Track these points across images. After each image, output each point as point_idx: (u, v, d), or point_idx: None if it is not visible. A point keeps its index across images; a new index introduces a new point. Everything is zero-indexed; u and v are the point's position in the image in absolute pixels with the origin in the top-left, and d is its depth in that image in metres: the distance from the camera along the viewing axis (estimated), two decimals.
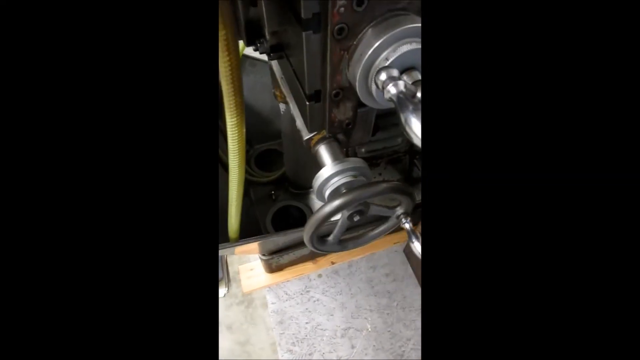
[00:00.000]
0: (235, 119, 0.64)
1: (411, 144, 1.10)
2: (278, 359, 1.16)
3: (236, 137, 0.68)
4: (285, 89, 0.71)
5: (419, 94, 0.36)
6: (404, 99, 0.33)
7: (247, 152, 1.38)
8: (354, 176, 0.61)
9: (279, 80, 0.72)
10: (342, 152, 0.66)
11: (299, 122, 0.68)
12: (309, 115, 0.52)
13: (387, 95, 0.35)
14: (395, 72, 0.35)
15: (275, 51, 0.55)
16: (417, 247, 0.54)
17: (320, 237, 0.62)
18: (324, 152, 0.65)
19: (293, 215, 1.25)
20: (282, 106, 0.92)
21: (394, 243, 1.34)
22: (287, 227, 1.18)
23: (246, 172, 1.30)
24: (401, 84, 0.34)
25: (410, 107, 0.32)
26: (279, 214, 1.23)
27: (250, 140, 1.39)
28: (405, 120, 0.32)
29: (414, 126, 0.31)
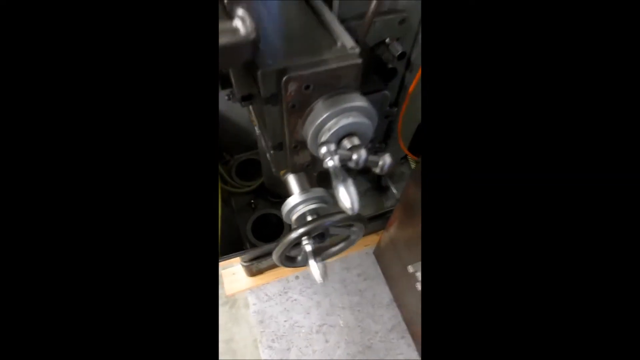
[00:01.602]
0: None
1: None
2: (259, 354, 1.26)
3: None
4: (256, 121, 0.79)
5: (354, 157, 0.46)
6: (337, 171, 0.42)
7: (228, 162, 1.46)
8: (317, 204, 0.71)
9: (252, 112, 0.81)
10: (309, 180, 0.75)
11: (269, 156, 0.77)
12: (274, 160, 0.61)
13: (324, 166, 0.44)
14: (332, 147, 0.44)
15: (245, 100, 0.63)
16: (313, 268, 0.57)
17: (287, 256, 0.72)
18: (292, 180, 0.74)
19: (272, 222, 1.35)
20: (257, 129, 1.00)
21: (365, 246, 1.46)
22: (266, 234, 1.28)
23: (227, 182, 1.38)
24: (336, 158, 0.43)
25: (341, 178, 0.41)
26: (259, 221, 1.32)
27: (230, 151, 1.46)
28: (335, 187, 0.41)
29: (341, 195, 0.41)
